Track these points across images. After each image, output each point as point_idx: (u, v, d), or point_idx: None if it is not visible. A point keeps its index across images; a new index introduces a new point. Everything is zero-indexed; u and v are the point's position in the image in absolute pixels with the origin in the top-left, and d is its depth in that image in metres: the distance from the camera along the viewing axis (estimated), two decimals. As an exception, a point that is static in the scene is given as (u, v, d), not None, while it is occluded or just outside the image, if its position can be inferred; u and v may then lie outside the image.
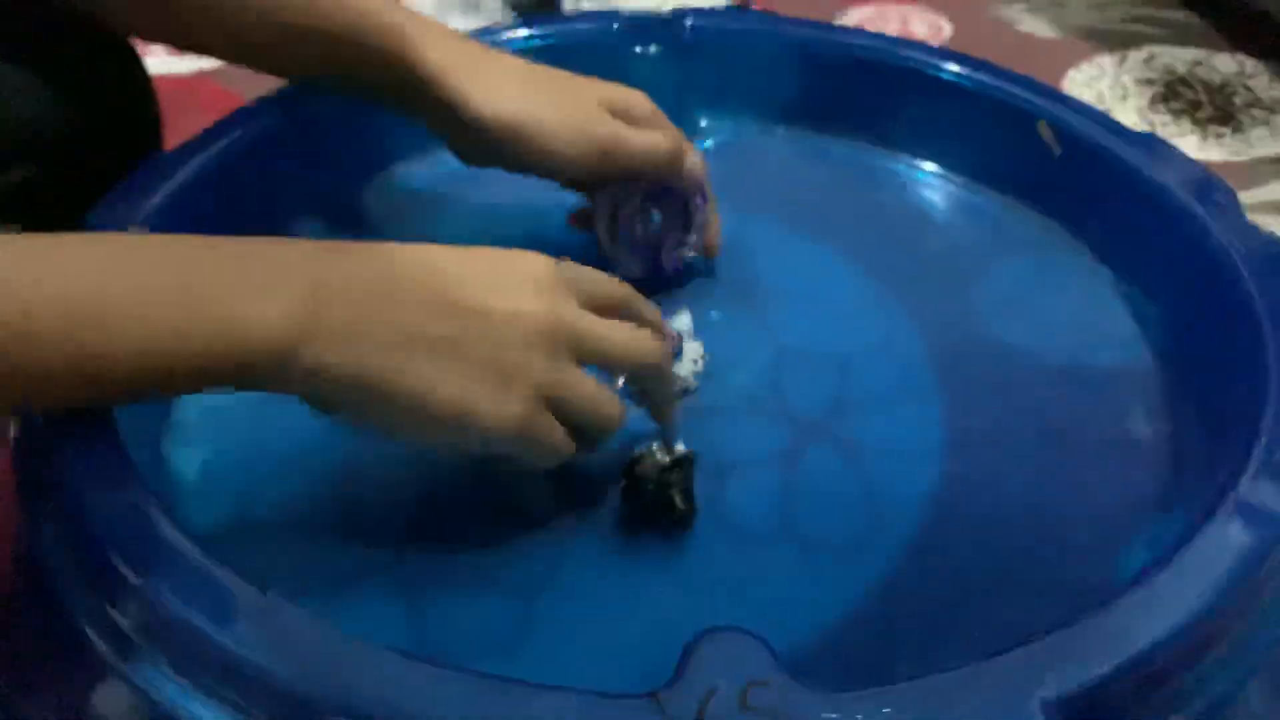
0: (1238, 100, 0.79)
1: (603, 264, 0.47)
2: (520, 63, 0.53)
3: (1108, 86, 0.81)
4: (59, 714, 0.36)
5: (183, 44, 0.55)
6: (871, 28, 0.92)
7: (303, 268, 0.38)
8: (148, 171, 0.51)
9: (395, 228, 0.58)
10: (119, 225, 0.47)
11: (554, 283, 0.40)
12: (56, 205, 0.52)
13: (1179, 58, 0.85)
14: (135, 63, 0.57)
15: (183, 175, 0.51)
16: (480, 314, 0.39)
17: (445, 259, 0.40)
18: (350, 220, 0.59)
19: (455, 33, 0.53)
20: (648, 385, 0.44)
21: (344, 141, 0.58)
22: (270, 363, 0.36)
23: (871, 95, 0.62)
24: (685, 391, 0.48)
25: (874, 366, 0.51)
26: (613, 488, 0.44)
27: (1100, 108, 0.66)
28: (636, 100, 0.53)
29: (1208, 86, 0.81)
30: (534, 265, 0.41)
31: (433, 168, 0.60)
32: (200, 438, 0.47)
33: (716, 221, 0.54)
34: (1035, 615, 0.38)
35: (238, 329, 0.36)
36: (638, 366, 0.42)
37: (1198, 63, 0.84)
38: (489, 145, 0.50)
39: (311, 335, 0.36)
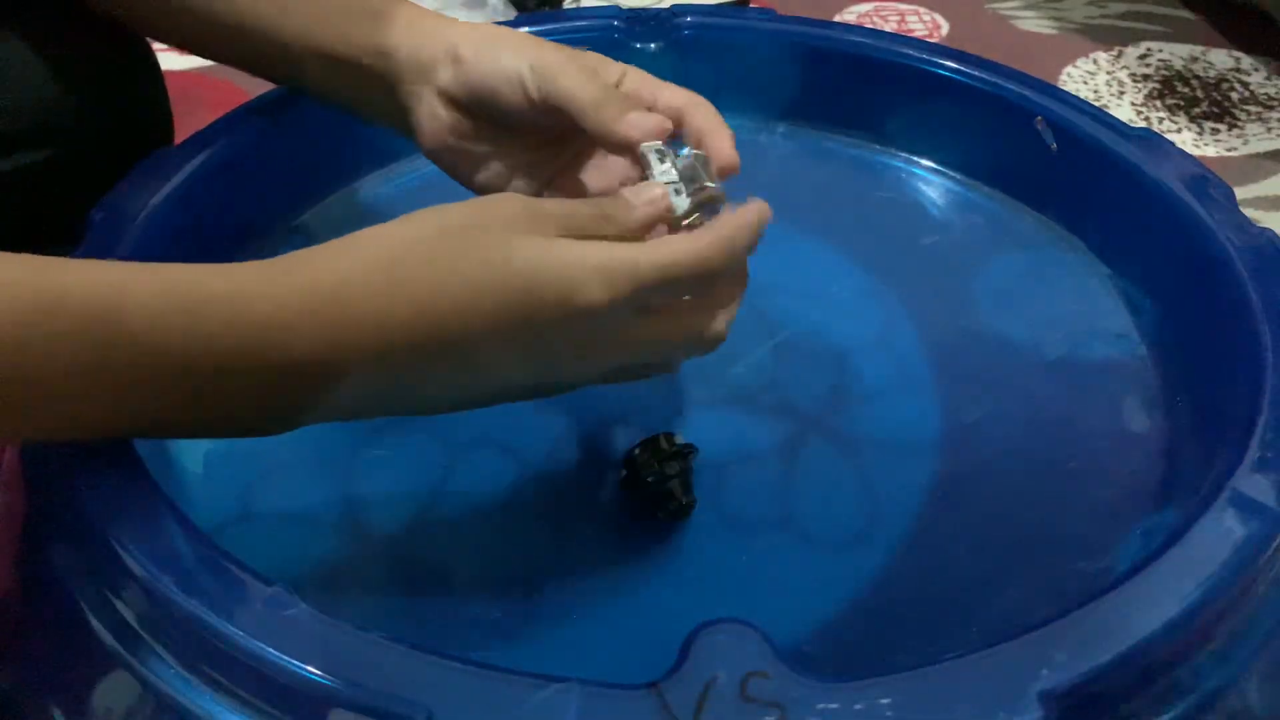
0: (1234, 96, 0.79)
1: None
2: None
3: (1104, 82, 0.82)
4: (65, 706, 0.36)
5: (149, 33, 0.55)
6: (869, 25, 0.92)
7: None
8: (155, 164, 0.51)
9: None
10: (124, 217, 0.47)
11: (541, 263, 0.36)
12: (63, 193, 0.52)
13: (1175, 54, 0.85)
14: (148, 55, 0.57)
15: (189, 169, 0.51)
16: (483, 348, 0.36)
17: (417, 281, 0.36)
18: (352, 211, 0.59)
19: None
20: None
21: (348, 133, 0.58)
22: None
23: (869, 92, 0.62)
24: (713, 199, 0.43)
25: (872, 360, 0.51)
26: (613, 479, 0.44)
27: (1096, 104, 0.67)
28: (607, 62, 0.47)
29: (1204, 82, 0.81)
30: (507, 240, 0.36)
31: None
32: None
33: (724, 136, 0.44)
34: (1032, 606, 0.39)
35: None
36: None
37: (1194, 59, 0.84)
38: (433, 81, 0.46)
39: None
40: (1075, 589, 0.40)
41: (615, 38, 0.62)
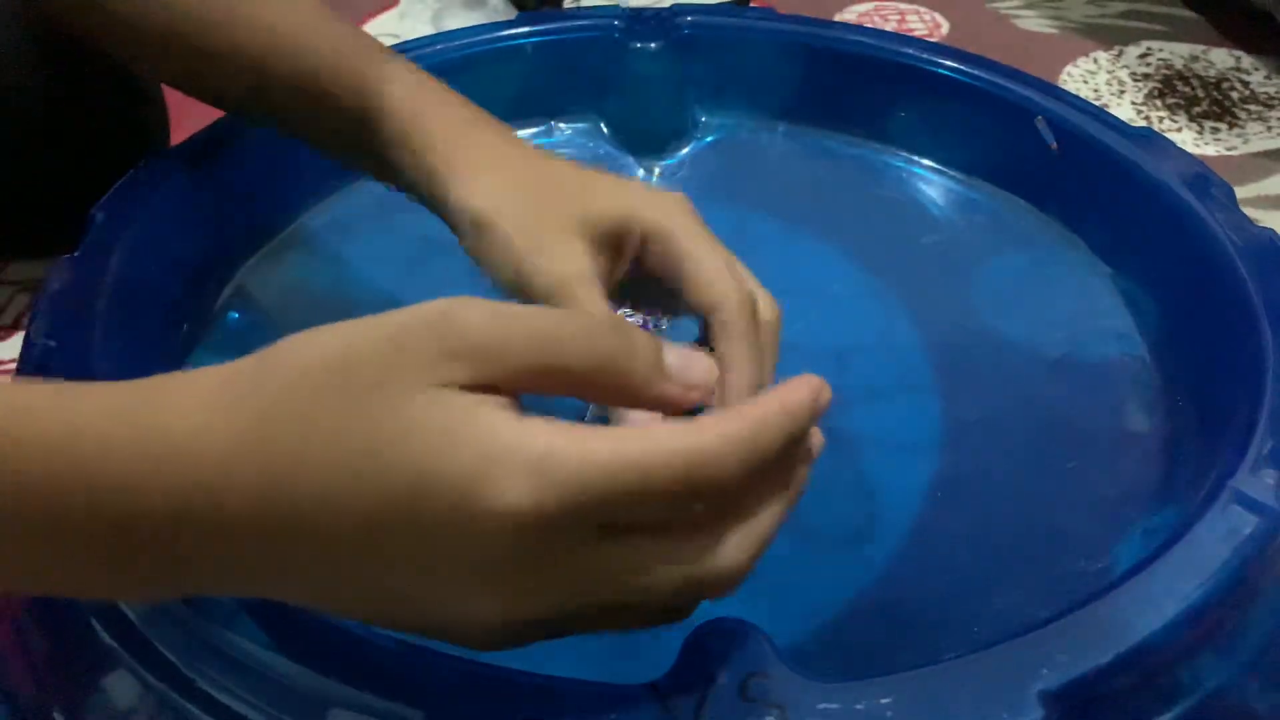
0: (1234, 95, 0.79)
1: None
2: (505, 141, 0.43)
3: (1104, 82, 0.82)
4: (64, 706, 0.36)
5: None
6: (869, 24, 0.92)
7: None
8: (155, 165, 0.51)
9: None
10: (125, 217, 0.47)
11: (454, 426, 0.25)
12: (61, 195, 0.52)
13: (1175, 53, 0.85)
14: None
15: (190, 169, 0.51)
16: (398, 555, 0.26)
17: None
18: (357, 210, 0.59)
19: (426, 81, 0.45)
20: None
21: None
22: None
23: (870, 91, 0.62)
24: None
25: (872, 360, 0.51)
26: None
27: (1097, 103, 0.67)
28: (649, 219, 0.39)
29: (1204, 82, 0.81)
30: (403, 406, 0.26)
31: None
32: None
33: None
34: (1032, 606, 0.39)
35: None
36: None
37: (1194, 58, 0.84)
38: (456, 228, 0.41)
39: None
40: (1075, 588, 0.40)
41: (616, 37, 0.62)
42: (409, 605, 0.27)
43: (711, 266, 0.38)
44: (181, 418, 0.26)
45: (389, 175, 0.45)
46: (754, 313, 0.38)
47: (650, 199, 0.39)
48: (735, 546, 0.27)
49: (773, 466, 0.28)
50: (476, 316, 0.26)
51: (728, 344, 0.37)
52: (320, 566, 0.27)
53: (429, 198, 0.43)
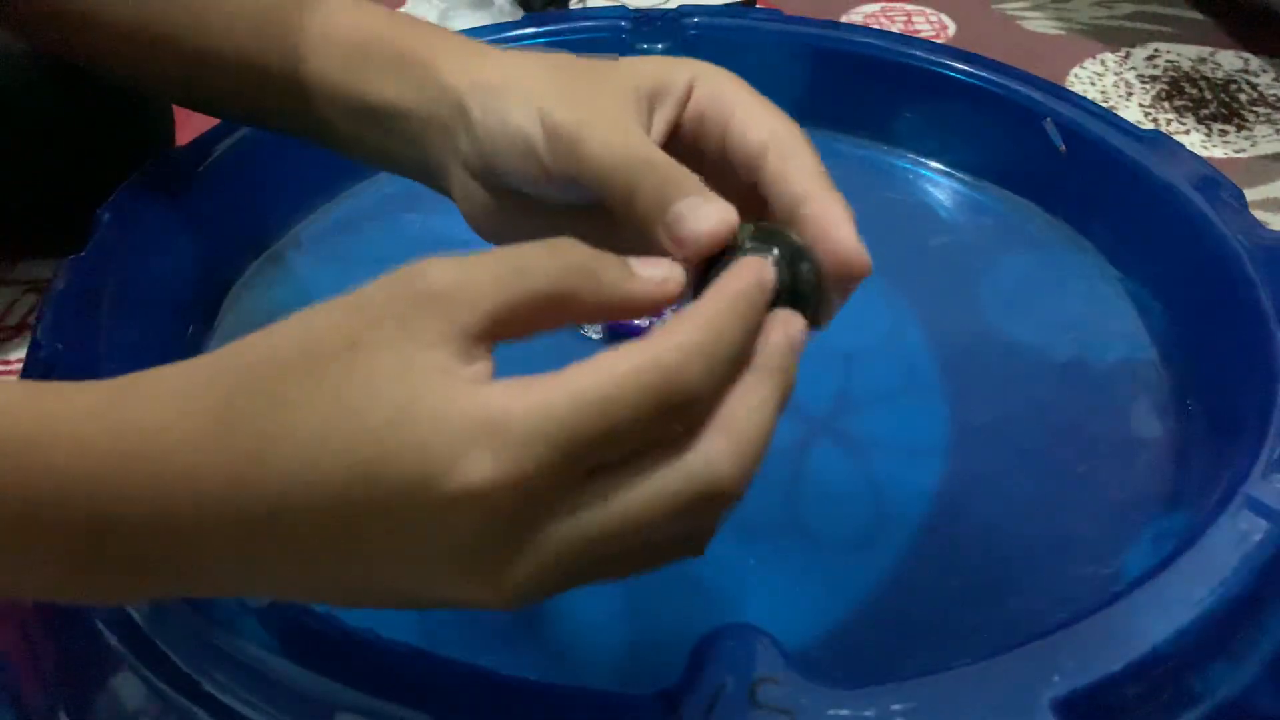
0: (1242, 98, 0.79)
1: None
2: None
3: (1112, 84, 0.81)
4: (70, 707, 0.36)
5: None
6: (876, 25, 0.92)
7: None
8: (161, 165, 0.51)
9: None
10: (132, 217, 0.47)
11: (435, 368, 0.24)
12: (68, 196, 0.52)
13: (1183, 55, 0.84)
14: None
15: (192, 172, 0.51)
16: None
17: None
18: (362, 210, 0.59)
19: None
20: None
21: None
22: None
23: (876, 93, 0.62)
24: None
25: (879, 362, 0.51)
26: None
27: (1104, 105, 0.66)
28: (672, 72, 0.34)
29: (1212, 84, 0.81)
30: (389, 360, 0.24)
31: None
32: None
33: (836, 211, 0.31)
34: (1041, 611, 0.39)
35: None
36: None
37: (1202, 60, 0.84)
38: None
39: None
40: (1085, 594, 0.39)
41: (622, 38, 0.62)
42: (396, 592, 0.26)
43: (765, 110, 0.33)
44: (152, 411, 0.26)
45: (363, 133, 0.39)
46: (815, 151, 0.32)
47: (694, 62, 0.35)
48: (728, 452, 0.26)
49: (743, 360, 0.27)
50: (438, 266, 0.26)
51: (799, 179, 0.31)
52: (297, 553, 0.25)
53: (409, 125, 0.37)
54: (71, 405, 0.26)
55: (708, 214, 0.29)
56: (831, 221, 0.31)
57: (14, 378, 0.44)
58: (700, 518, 0.27)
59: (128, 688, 0.34)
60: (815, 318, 0.30)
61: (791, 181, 0.31)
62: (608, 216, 0.32)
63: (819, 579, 0.41)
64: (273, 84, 0.41)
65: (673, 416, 0.25)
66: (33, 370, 0.43)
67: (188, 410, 0.25)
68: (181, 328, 0.50)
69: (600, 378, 0.24)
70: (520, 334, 0.26)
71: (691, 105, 0.34)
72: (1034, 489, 0.45)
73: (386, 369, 0.24)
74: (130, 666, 0.34)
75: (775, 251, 0.29)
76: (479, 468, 0.23)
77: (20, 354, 0.49)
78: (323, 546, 0.25)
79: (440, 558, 0.25)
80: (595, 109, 0.32)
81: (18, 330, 0.58)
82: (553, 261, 0.26)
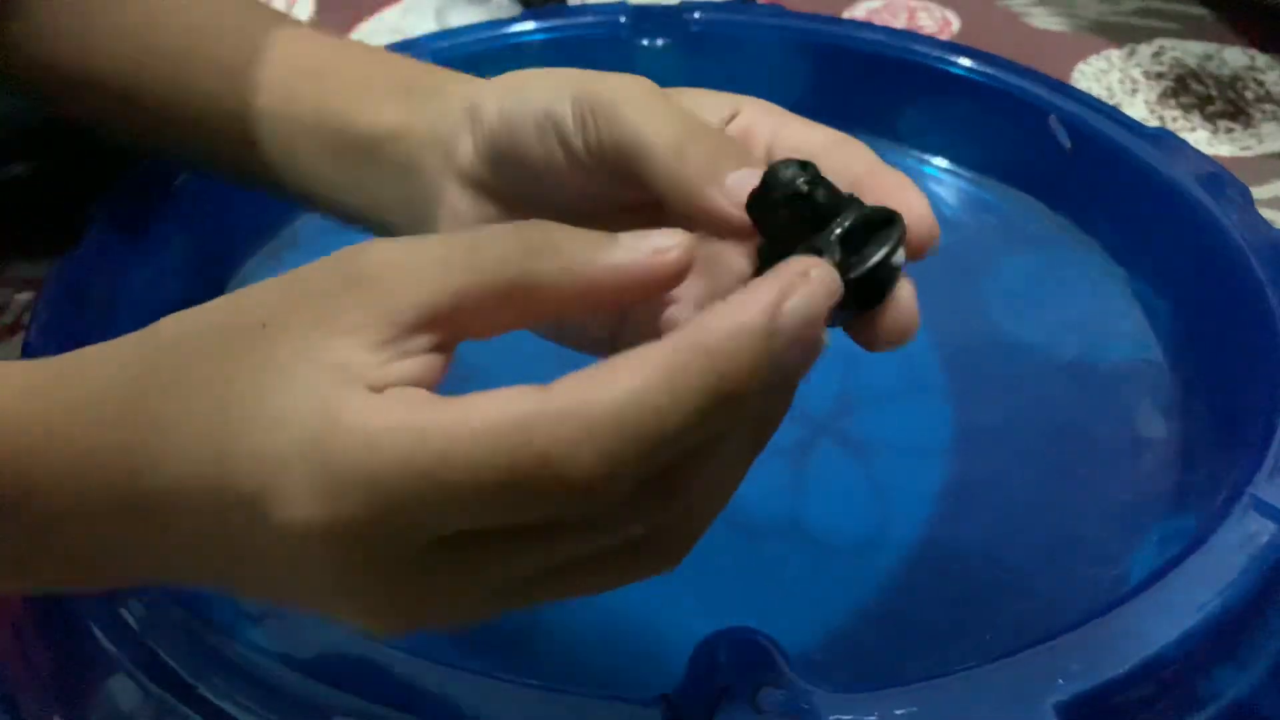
0: (1248, 95, 0.79)
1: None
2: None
3: (1117, 80, 0.81)
4: (65, 711, 0.36)
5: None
6: (879, 21, 0.92)
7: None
8: (152, 164, 0.50)
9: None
10: (125, 215, 0.47)
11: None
12: (60, 197, 0.51)
13: (1189, 51, 0.84)
14: None
15: (186, 169, 0.50)
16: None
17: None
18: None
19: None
20: None
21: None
22: None
23: (880, 89, 0.61)
24: None
25: (881, 363, 0.49)
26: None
27: (1109, 102, 0.66)
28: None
29: (1218, 80, 0.80)
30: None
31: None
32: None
33: (909, 192, 0.29)
34: (1045, 613, 0.39)
35: None
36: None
37: (1208, 56, 0.83)
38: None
39: None
40: (1089, 596, 0.39)
41: (622, 35, 0.62)
42: (285, 599, 0.24)
43: (817, 125, 0.30)
44: (77, 390, 0.24)
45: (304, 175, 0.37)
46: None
47: (736, 96, 0.32)
48: (649, 544, 0.22)
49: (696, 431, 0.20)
50: (380, 246, 0.22)
51: (860, 163, 0.28)
52: (186, 547, 0.23)
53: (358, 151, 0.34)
54: (19, 385, 0.24)
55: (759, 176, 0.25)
56: (896, 184, 0.28)
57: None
58: (615, 586, 0.23)
59: (123, 691, 0.34)
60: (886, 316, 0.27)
61: (853, 166, 0.28)
62: (619, 219, 0.29)
63: (821, 581, 0.41)
64: (228, 122, 0.39)
65: (551, 501, 0.20)
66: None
67: (106, 389, 0.23)
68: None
69: (449, 432, 0.19)
70: (479, 330, 0.22)
71: (732, 127, 0.31)
72: (1038, 489, 0.45)
73: (285, 353, 0.21)
74: (125, 670, 0.33)
75: (844, 225, 0.25)
76: (298, 497, 0.20)
77: (14, 354, 0.49)
78: (206, 544, 0.23)
79: (292, 578, 0.22)
80: (632, 83, 0.28)
81: (11, 330, 0.57)
82: (513, 240, 0.22)
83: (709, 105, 0.31)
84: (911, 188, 0.28)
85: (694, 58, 0.62)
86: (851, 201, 0.26)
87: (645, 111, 0.27)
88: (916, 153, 0.62)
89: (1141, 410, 0.48)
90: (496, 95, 0.31)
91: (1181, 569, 0.34)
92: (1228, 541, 0.35)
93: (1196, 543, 0.35)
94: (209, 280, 0.53)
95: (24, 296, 0.58)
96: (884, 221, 0.26)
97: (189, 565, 0.24)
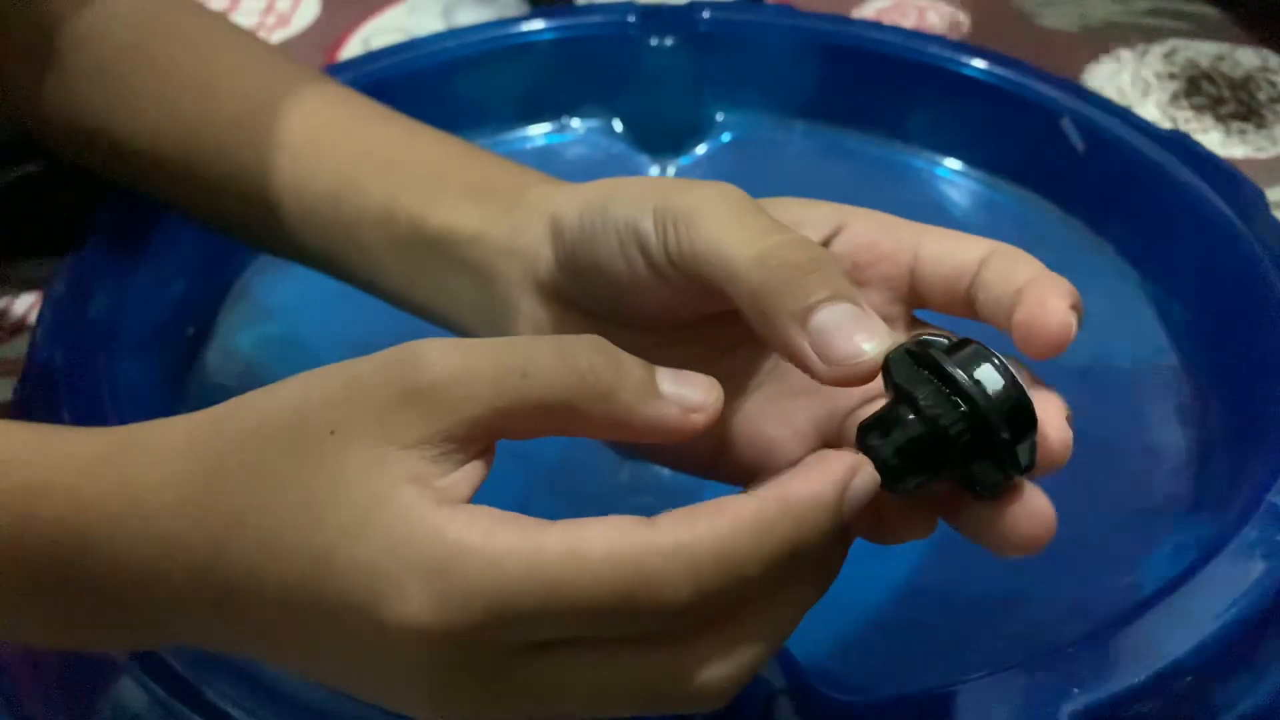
0: (1261, 95, 0.78)
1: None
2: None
3: (1129, 81, 0.80)
4: (70, 716, 0.36)
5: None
6: (889, 20, 0.91)
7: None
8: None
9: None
10: (126, 220, 0.46)
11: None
12: (63, 200, 0.51)
13: (1201, 52, 0.83)
14: None
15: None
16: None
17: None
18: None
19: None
20: None
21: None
22: None
23: (890, 90, 0.61)
24: None
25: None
26: (624, 484, 0.43)
27: (1121, 103, 0.66)
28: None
29: (1230, 81, 0.80)
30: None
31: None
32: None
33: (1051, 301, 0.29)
34: (1059, 622, 0.38)
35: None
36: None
37: (1220, 57, 0.83)
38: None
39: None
40: (1104, 605, 0.39)
41: (631, 33, 0.61)
42: (347, 687, 0.26)
43: (957, 233, 0.30)
44: (145, 472, 0.25)
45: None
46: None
47: (837, 206, 0.31)
48: (712, 663, 0.23)
49: (744, 580, 0.23)
50: (438, 354, 0.24)
51: (1024, 271, 0.28)
52: (260, 633, 0.25)
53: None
54: (69, 458, 0.26)
55: (858, 340, 0.25)
56: (1048, 290, 0.29)
57: (13, 380, 0.44)
58: (665, 708, 0.24)
59: (128, 696, 0.34)
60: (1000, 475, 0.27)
61: (1016, 277, 0.29)
62: (695, 335, 0.31)
63: (833, 589, 0.40)
64: (286, 198, 0.40)
65: (644, 621, 0.23)
66: (32, 371, 0.42)
67: (178, 474, 0.25)
68: (181, 328, 0.49)
69: (568, 561, 0.22)
70: (519, 436, 0.25)
71: (838, 244, 0.31)
72: (1051, 495, 0.44)
73: (357, 465, 0.23)
74: (131, 675, 0.33)
75: (927, 394, 0.26)
76: (418, 606, 0.22)
77: (19, 354, 0.49)
78: (280, 632, 0.25)
79: (380, 673, 0.24)
80: (717, 192, 0.28)
81: (16, 330, 0.57)
82: (561, 369, 0.24)
83: (810, 218, 0.30)
84: (1065, 338, 0.29)
85: (702, 57, 0.62)
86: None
87: (727, 222, 0.27)
88: (927, 154, 0.61)
89: (1155, 415, 0.47)
90: (577, 207, 0.31)
91: (1198, 578, 0.34)
92: (1245, 549, 0.35)
93: (1212, 550, 0.35)
94: (214, 282, 0.52)
95: (29, 297, 0.58)
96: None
97: (257, 648, 0.27)
